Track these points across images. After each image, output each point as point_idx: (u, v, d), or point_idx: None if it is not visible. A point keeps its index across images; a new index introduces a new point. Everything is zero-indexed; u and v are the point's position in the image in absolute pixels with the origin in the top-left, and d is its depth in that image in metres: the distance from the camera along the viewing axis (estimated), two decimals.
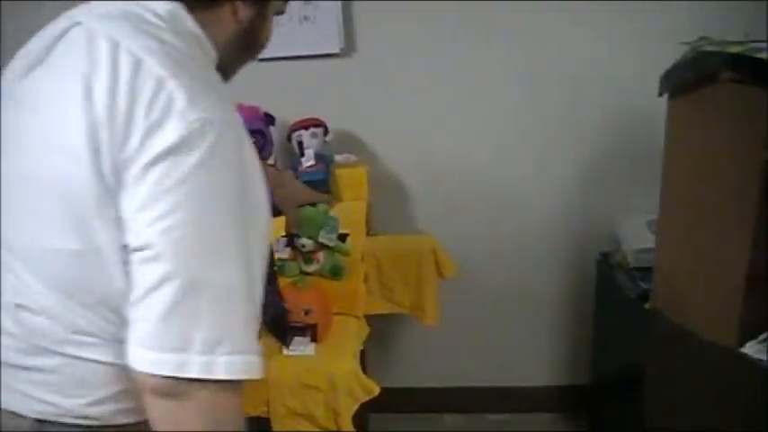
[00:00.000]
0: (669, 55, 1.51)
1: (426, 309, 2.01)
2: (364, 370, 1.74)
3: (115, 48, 0.77)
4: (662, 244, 1.65)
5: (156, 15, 0.83)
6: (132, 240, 0.74)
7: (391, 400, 1.99)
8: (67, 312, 0.79)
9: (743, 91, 1.31)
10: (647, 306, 1.72)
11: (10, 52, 0.90)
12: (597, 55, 2.11)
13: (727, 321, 1.41)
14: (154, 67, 0.75)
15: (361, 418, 1.79)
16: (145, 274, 0.74)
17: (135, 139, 0.73)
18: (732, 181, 1.38)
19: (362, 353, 1.89)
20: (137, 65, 0.75)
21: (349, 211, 2.02)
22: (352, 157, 2.18)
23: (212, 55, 0.89)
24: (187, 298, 0.74)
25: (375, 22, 2.15)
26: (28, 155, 0.80)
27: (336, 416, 1.57)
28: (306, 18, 2.08)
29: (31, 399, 0.81)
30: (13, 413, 0.81)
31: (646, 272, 1.79)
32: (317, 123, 2.14)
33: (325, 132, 2.15)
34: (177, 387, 0.74)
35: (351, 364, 1.62)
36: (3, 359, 0.81)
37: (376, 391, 1.63)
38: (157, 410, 0.77)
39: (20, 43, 0.93)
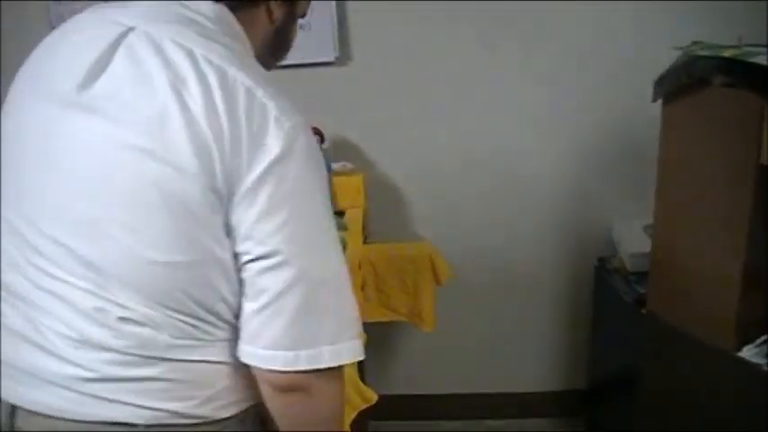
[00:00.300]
0: (665, 60, 1.51)
1: (424, 315, 2.01)
2: (362, 378, 1.73)
3: (191, 56, 0.77)
4: (657, 248, 1.66)
5: (206, 17, 0.84)
6: (254, 249, 0.78)
7: (390, 407, 1.99)
8: (171, 320, 0.79)
9: (735, 95, 1.32)
10: (644, 310, 1.73)
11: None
12: (594, 62, 2.11)
13: (724, 324, 1.42)
14: (238, 76, 0.77)
15: (359, 425, 1.79)
16: (272, 279, 0.78)
17: (243, 152, 0.75)
18: (726, 184, 1.39)
19: (360, 361, 1.89)
20: (222, 75, 0.76)
21: (346, 218, 2.02)
22: (349, 165, 2.19)
23: (252, 55, 0.90)
24: (314, 297, 0.80)
25: (370, 30, 2.15)
26: (111, 167, 0.77)
27: None
28: (300, 27, 2.08)
29: (141, 408, 0.80)
30: (122, 423, 0.80)
31: (643, 276, 1.79)
32: (313, 132, 2.13)
33: (321, 141, 2.16)
34: (307, 380, 0.81)
35: (348, 372, 1.62)
36: (100, 374, 0.79)
37: (374, 398, 1.62)
38: (285, 405, 0.84)
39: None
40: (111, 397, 0.79)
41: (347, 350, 0.84)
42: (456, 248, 2.20)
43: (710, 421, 1.48)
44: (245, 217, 0.76)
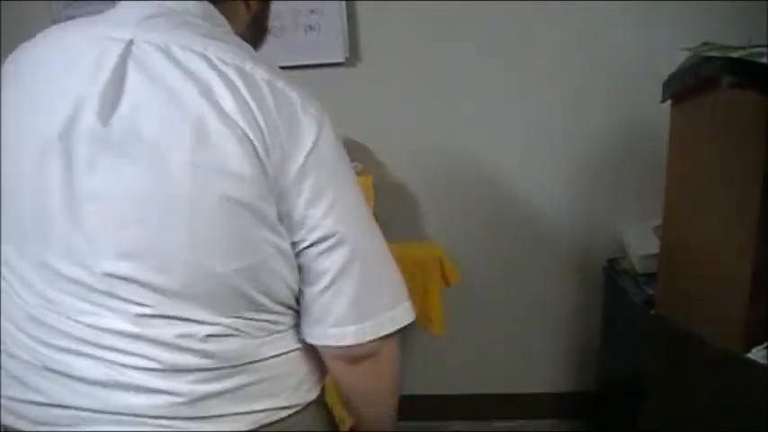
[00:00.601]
0: (674, 61, 1.51)
1: (433, 317, 2.01)
2: None
3: (206, 59, 0.76)
4: (666, 249, 1.65)
5: (195, 15, 0.83)
6: (310, 235, 0.80)
7: (399, 408, 1.99)
8: (253, 322, 0.81)
9: (744, 96, 1.31)
10: (653, 311, 1.72)
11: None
12: (601, 62, 2.11)
13: (733, 325, 1.41)
14: (255, 72, 0.78)
15: None
16: (331, 260, 0.81)
17: (284, 144, 0.76)
18: (735, 186, 1.38)
19: None
20: (241, 72, 0.77)
21: None
22: (359, 166, 2.19)
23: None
24: (369, 269, 0.83)
25: (380, 31, 2.16)
26: (160, 188, 0.74)
27: (342, 424, 1.57)
28: (311, 28, 2.10)
29: (241, 414, 0.81)
30: None
31: (652, 277, 1.78)
32: None
33: None
34: (375, 347, 0.85)
35: None
36: (194, 395, 0.78)
37: None
38: (357, 375, 0.89)
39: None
40: (209, 414, 0.79)
41: (405, 312, 0.88)
42: (465, 250, 2.21)
43: (718, 422, 1.48)
44: (295, 205, 0.78)
